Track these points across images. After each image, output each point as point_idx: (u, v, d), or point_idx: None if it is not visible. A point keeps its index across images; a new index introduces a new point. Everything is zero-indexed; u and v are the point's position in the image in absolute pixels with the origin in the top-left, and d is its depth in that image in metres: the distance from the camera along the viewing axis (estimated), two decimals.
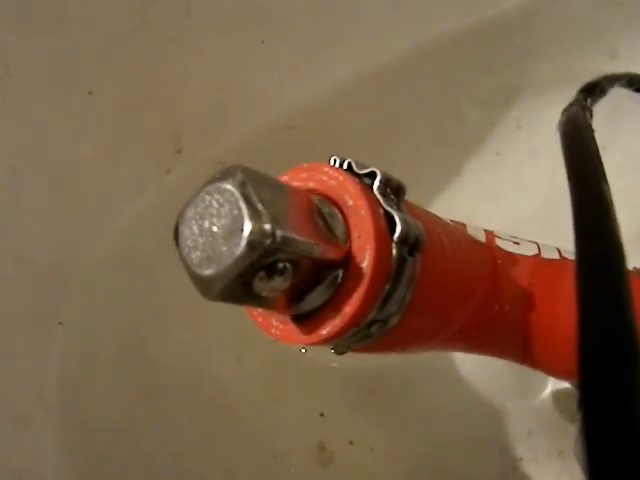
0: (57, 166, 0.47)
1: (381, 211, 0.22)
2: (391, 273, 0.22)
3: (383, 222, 0.22)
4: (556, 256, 0.32)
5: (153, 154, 0.51)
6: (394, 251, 0.22)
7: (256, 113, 0.53)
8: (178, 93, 0.51)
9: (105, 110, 0.48)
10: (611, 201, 0.23)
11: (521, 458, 0.46)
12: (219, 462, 0.47)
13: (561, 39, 0.57)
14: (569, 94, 0.37)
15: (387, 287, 0.22)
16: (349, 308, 0.21)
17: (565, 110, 0.34)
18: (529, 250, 0.32)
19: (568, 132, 0.30)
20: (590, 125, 0.31)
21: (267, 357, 0.48)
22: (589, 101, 0.36)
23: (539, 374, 0.34)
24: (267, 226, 0.18)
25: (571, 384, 0.37)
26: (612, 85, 0.39)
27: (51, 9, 0.46)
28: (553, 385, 0.47)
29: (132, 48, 0.48)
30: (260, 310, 0.24)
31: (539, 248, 0.32)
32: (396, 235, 0.22)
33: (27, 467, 0.42)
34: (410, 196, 0.25)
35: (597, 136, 0.29)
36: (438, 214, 0.28)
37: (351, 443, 0.47)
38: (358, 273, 0.21)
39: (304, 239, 0.19)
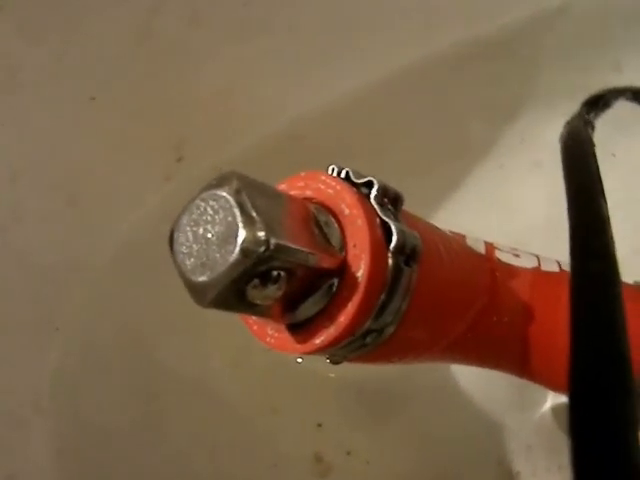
0: (58, 172, 0.47)
1: (377, 221, 0.22)
2: (387, 283, 0.22)
3: (379, 232, 0.22)
4: (556, 269, 0.32)
5: (154, 162, 0.51)
6: (390, 261, 0.22)
7: (260, 122, 0.53)
8: (181, 102, 0.51)
9: (107, 116, 0.48)
10: (608, 219, 0.23)
11: (519, 472, 0.46)
12: (216, 470, 0.46)
13: (567, 52, 0.57)
14: (574, 107, 0.37)
15: (382, 297, 0.22)
16: (344, 317, 0.21)
17: (567, 123, 0.34)
18: (529, 262, 0.32)
19: (568, 146, 0.30)
20: (591, 140, 0.31)
21: (264, 365, 0.48)
22: (592, 115, 0.36)
23: (539, 388, 0.33)
24: (261, 234, 0.18)
25: None
26: (616, 98, 0.39)
27: (57, 16, 0.46)
28: (553, 400, 0.46)
29: (136, 55, 0.49)
30: (255, 318, 0.23)
31: (539, 260, 0.32)
32: (392, 245, 0.22)
33: (21, 470, 0.42)
34: (412, 208, 0.25)
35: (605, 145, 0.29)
36: (440, 226, 0.28)
37: (348, 454, 0.47)
38: (353, 282, 0.21)
39: (299, 247, 0.19)
